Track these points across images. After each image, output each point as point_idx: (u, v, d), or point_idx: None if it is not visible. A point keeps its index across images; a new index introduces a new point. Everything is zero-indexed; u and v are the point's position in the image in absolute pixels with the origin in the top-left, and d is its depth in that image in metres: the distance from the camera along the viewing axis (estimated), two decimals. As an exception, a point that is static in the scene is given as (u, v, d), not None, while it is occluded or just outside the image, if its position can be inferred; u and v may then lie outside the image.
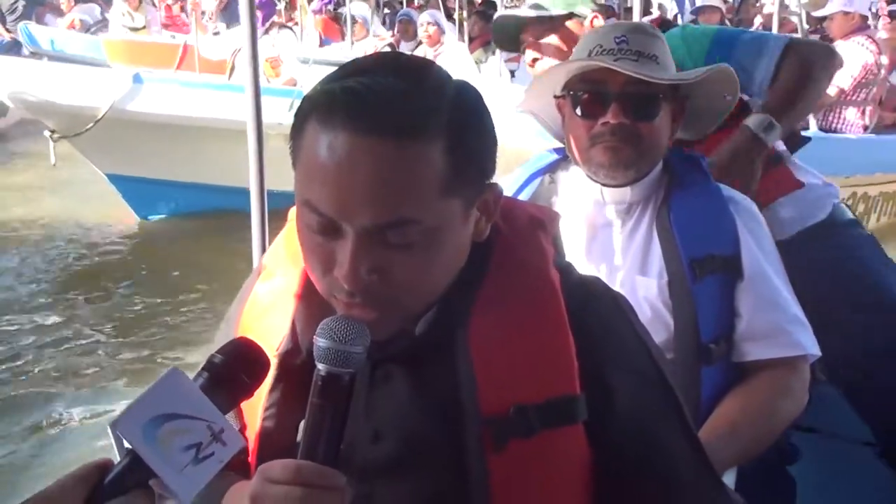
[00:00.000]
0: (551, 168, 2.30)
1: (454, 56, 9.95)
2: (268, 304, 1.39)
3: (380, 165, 1.13)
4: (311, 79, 9.36)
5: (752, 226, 2.10)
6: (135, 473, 1.07)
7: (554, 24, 2.82)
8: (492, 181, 1.28)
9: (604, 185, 2.14)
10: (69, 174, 10.10)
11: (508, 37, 2.90)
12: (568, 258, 1.45)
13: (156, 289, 7.48)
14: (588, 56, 2.11)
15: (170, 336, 6.54)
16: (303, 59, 10.46)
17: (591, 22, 2.81)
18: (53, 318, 6.86)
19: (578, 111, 2.10)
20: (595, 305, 1.35)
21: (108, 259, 8.51)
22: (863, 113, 8.35)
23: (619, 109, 2.04)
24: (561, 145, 2.32)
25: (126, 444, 1.08)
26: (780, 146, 2.61)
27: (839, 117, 8.34)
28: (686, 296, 2.01)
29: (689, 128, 2.25)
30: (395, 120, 1.13)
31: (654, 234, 2.09)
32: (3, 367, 5.91)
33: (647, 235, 2.11)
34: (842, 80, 8.02)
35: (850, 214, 2.64)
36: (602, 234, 2.16)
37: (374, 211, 1.14)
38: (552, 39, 2.81)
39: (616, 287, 1.97)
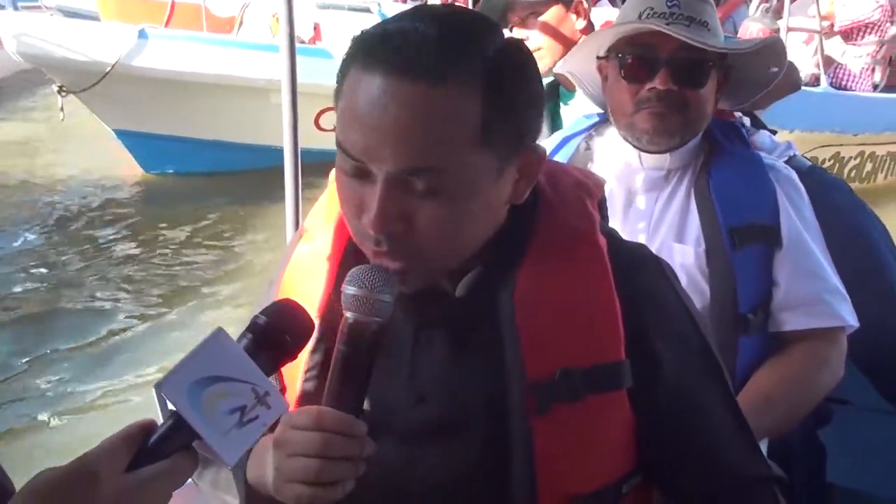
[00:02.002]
0: (587, 134, 2.26)
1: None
2: (309, 266, 1.39)
3: (409, 109, 1.12)
4: (331, 25, 9.41)
5: (792, 195, 2.07)
6: (179, 436, 1.05)
7: (539, 6, 2.86)
8: (535, 143, 1.26)
9: (642, 150, 2.11)
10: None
11: (496, 16, 2.92)
12: None
13: (162, 243, 7.59)
14: (638, 18, 2.05)
15: (177, 289, 6.66)
16: (322, 4, 10.51)
17: (576, 7, 2.87)
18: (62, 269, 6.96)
19: (624, 74, 2.05)
20: (641, 272, 1.35)
21: (115, 214, 8.57)
22: (872, 71, 8.36)
23: (667, 75, 1.99)
24: (599, 110, 2.29)
25: (170, 406, 1.05)
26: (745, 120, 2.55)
27: (848, 74, 8.33)
28: (724, 264, 2.00)
29: (730, 97, 2.20)
30: (427, 64, 1.12)
31: (693, 202, 2.07)
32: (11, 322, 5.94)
33: (684, 203, 2.08)
34: (841, 17, 8.03)
35: (807, 163, 2.51)
36: (639, 200, 2.13)
37: (401, 154, 1.13)
38: (537, 22, 2.85)
39: None
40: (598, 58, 2.14)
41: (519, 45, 1.24)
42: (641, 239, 2.07)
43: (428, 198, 1.16)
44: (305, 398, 1.33)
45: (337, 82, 1.21)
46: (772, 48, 2.12)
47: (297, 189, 2.73)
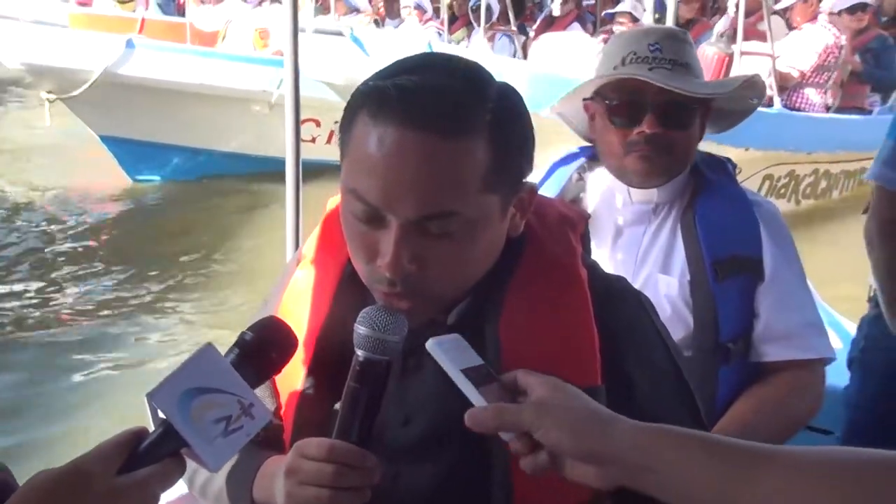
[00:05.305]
0: (579, 166, 2.30)
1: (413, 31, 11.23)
2: (306, 290, 1.43)
3: (427, 159, 1.17)
4: (305, 48, 9.57)
5: (775, 229, 2.12)
6: (168, 442, 1.10)
7: None
8: (527, 179, 1.32)
9: (630, 185, 2.15)
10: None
11: None
12: (595, 255, 1.49)
13: (148, 252, 7.63)
14: (622, 63, 2.09)
15: (162, 299, 6.65)
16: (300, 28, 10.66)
17: None
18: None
19: (612, 119, 2.09)
20: (620, 303, 1.39)
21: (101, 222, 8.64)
22: (824, 93, 8.56)
23: (654, 119, 2.03)
24: (585, 144, 2.33)
25: (161, 415, 1.11)
26: None
27: (802, 97, 8.52)
28: (707, 295, 2.04)
29: (712, 125, 2.24)
30: (444, 117, 1.17)
31: (679, 235, 2.12)
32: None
33: (671, 235, 2.13)
34: (803, 61, 8.28)
35: None
36: (627, 233, 2.18)
37: (419, 203, 1.18)
38: None
39: (639, 284, 2.03)
40: (585, 99, 2.18)
41: (511, 88, 1.29)
42: (629, 269, 2.12)
43: (441, 240, 1.21)
44: (300, 416, 1.38)
45: (341, 130, 1.26)
46: (753, 86, 2.17)
47: (298, 199, 2.79)
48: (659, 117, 2.03)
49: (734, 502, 1.03)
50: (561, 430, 1.09)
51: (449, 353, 1.17)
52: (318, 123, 8.88)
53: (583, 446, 1.09)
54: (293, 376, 1.36)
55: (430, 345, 1.18)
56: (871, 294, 2.75)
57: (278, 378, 1.34)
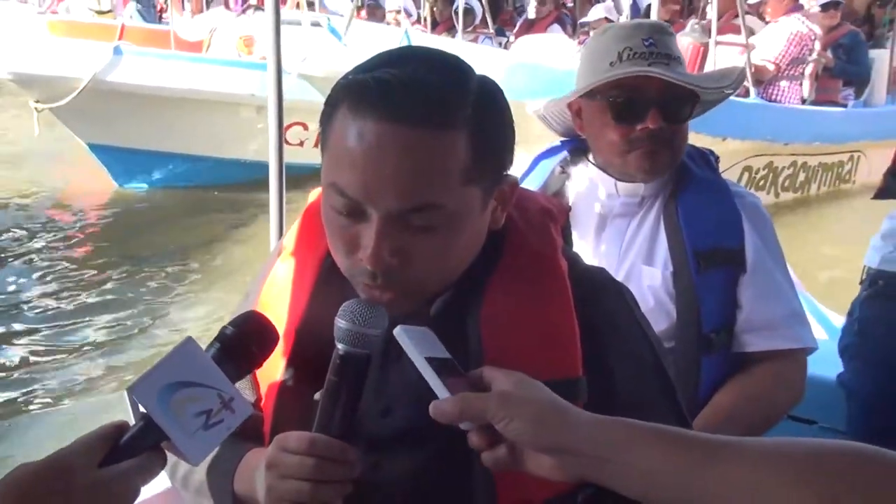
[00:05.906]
0: (562, 159, 2.30)
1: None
2: (286, 283, 1.43)
3: (407, 152, 1.17)
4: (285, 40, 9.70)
5: (756, 221, 2.13)
6: (148, 436, 1.10)
7: None
8: (508, 172, 1.32)
9: (618, 179, 2.16)
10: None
11: None
12: (578, 247, 1.49)
13: (136, 260, 7.59)
14: (619, 59, 2.07)
15: (152, 302, 6.66)
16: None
17: None
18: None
19: (615, 116, 2.07)
20: (601, 295, 1.40)
21: (88, 230, 8.61)
22: (799, 86, 8.68)
23: (657, 114, 2.02)
24: (564, 138, 2.34)
25: (141, 409, 1.10)
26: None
27: (778, 90, 8.64)
28: (689, 287, 2.05)
29: None
30: (423, 109, 1.17)
31: (662, 226, 2.12)
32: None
33: (654, 227, 2.14)
34: (778, 49, 8.46)
35: None
36: (612, 225, 2.18)
37: (399, 195, 1.18)
38: None
39: (622, 276, 2.05)
40: (579, 97, 2.16)
41: (491, 81, 1.29)
42: (613, 261, 2.13)
43: (423, 233, 1.21)
44: (280, 409, 1.37)
45: (321, 124, 1.26)
46: (739, 79, 2.20)
47: (282, 202, 2.78)
48: (662, 112, 2.03)
49: (693, 493, 1.04)
50: (523, 420, 1.08)
51: (415, 342, 1.17)
52: (305, 127, 8.87)
53: (544, 437, 1.08)
54: (273, 368, 1.35)
55: (398, 331, 1.17)
56: (864, 276, 2.74)
57: (258, 369, 1.33)
